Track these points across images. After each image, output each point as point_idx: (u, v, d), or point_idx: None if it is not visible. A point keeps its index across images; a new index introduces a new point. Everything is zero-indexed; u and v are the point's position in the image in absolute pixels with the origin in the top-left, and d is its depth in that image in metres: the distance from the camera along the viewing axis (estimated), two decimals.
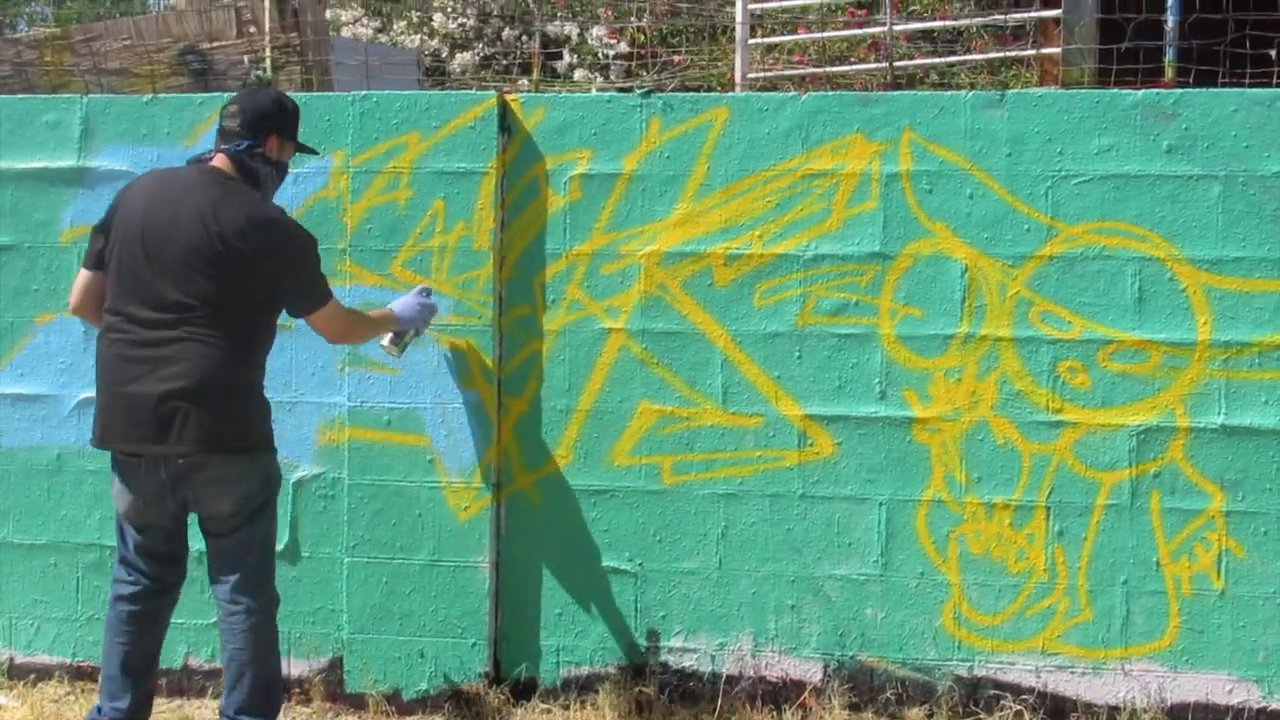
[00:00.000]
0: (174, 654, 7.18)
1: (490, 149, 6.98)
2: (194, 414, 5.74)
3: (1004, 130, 6.70)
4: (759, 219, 6.85)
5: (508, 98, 7.08)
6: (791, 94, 6.96)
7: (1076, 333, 6.63)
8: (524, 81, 15.04)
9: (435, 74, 16.95)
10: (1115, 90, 6.82)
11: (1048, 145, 6.66)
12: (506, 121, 7.03)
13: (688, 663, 6.96)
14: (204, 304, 5.76)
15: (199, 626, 7.17)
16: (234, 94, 6.20)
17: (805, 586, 6.87)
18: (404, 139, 7.03)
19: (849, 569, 6.83)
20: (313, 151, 6.49)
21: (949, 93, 6.87)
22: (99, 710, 6.08)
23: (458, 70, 17.12)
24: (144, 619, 6.05)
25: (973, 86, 12.76)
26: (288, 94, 6.40)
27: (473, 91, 7.30)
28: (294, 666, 7.09)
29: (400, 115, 7.04)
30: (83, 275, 6.10)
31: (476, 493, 6.99)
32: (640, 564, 6.97)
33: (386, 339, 6.60)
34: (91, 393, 7.16)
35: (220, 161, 6.00)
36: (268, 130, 6.06)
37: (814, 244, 6.81)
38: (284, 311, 6.11)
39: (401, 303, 6.61)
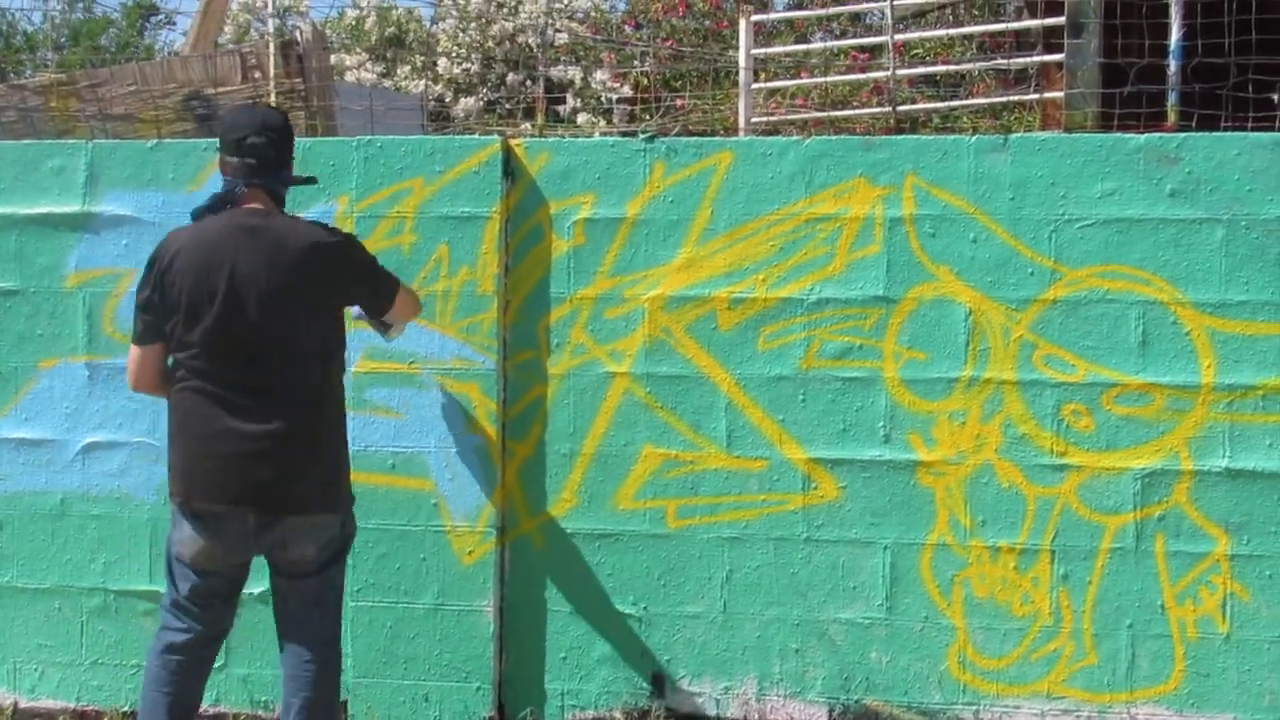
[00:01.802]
0: None
1: (494, 194, 7.00)
2: (295, 475, 5.71)
3: (1007, 174, 6.72)
4: (763, 263, 6.87)
5: (512, 143, 7.10)
6: (795, 138, 6.99)
7: (1080, 376, 6.65)
8: (527, 125, 15.11)
9: (439, 119, 17.02)
10: (1118, 134, 6.84)
11: (1051, 189, 6.68)
12: (510, 166, 7.06)
13: (692, 706, 6.95)
14: (293, 354, 5.73)
15: None
16: (242, 124, 5.94)
17: (810, 630, 6.87)
18: (408, 184, 7.05)
19: (854, 612, 6.83)
20: (313, 181, 6.34)
21: (952, 137, 6.90)
22: None
23: (462, 115, 17.19)
24: (192, 669, 5.93)
25: (975, 130, 12.80)
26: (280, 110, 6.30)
27: (477, 136, 7.33)
28: None
29: (404, 160, 7.07)
30: (138, 352, 5.93)
31: (481, 537, 7.00)
32: (645, 608, 6.97)
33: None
34: (97, 438, 7.20)
35: (257, 199, 5.87)
36: (291, 152, 6.01)
37: (818, 288, 6.83)
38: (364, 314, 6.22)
39: None
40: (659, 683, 6.98)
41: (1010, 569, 6.71)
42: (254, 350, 5.69)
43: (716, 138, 8.28)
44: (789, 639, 6.89)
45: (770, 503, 6.88)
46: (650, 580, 6.97)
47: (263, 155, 5.87)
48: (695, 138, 7.50)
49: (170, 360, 5.87)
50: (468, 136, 7.40)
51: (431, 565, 7.02)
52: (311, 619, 5.94)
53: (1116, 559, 6.64)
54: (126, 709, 7.20)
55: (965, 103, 13.44)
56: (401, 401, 7.00)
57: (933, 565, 6.76)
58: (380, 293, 6.13)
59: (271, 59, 10.63)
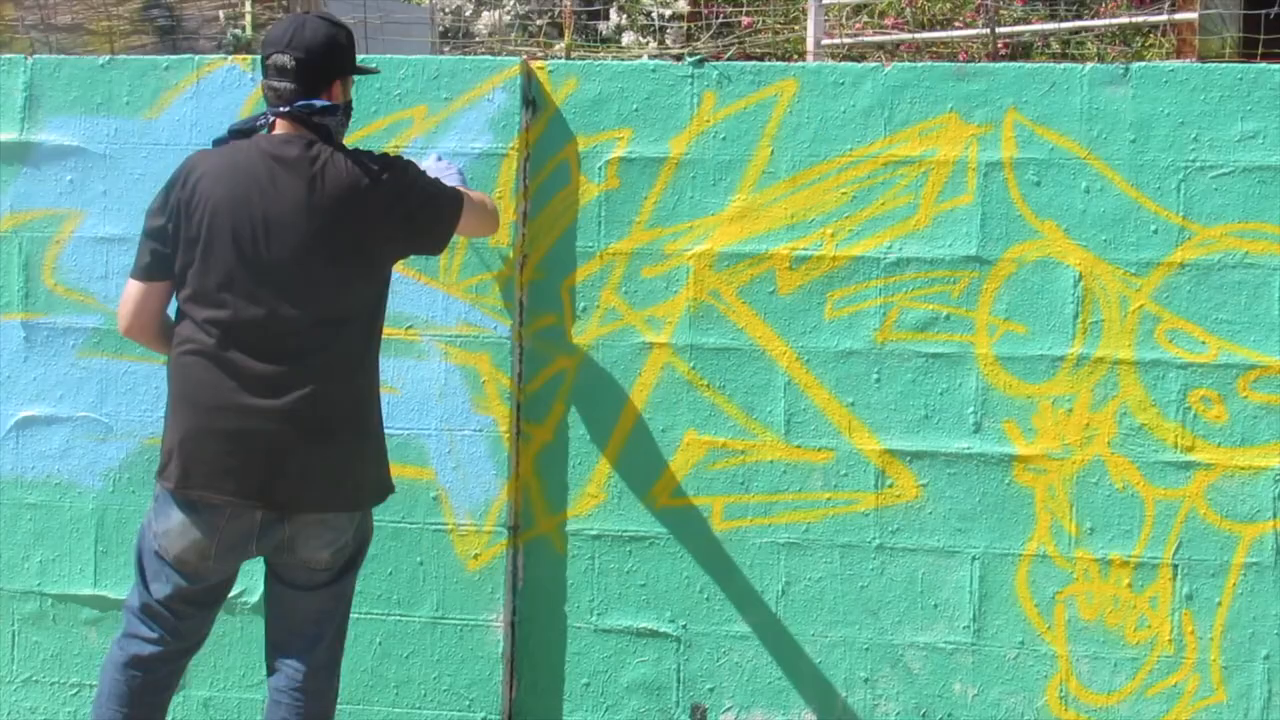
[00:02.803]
0: None
1: (512, 126, 7.04)
2: (322, 462, 5.74)
3: (1128, 112, 6.72)
4: (832, 214, 6.89)
5: (534, 65, 7.13)
6: (873, 65, 7.00)
7: (1212, 355, 6.65)
8: (560, 46, 15.11)
9: (456, 36, 17.02)
10: (1262, 65, 6.83)
11: (1180, 130, 6.68)
12: (532, 94, 7.09)
13: None
14: (329, 314, 5.75)
15: None
16: (272, 39, 5.97)
17: (882, 656, 6.90)
18: (408, 113, 7.09)
19: (934, 636, 6.86)
20: (373, 70, 6.44)
21: (1062, 66, 6.90)
22: None
23: (484, 32, 17.19)
24: (157, 686, 5.97)
25: (1100, 59, 12.77)
26: (333, 18, 6.19)
27: (491, 58, 7.35)
28: None
29: (404, 85, 7.10)
30: (140, 289, 5.94)
31: (489, 537, 7.04)
32: (684, 626, 7.02)
33: None
34: (33, 411, 7.24)
35: (285, 126, 5.91)
36: (331, 76, 5.97)
37: (897, 245, 6.85)
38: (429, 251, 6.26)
39: (445, 170, 6.69)
40: (700, 716, 7.02)
41: (1123, 586, 6.73)
42: (281, 306, 5.71)
43: (778, 63, 8.28)
44: (857, 666, 6.92)
45: (836, 502, 6.91)
46: (691, 593, 7.01)
47: (285, 80, 5.88)
48: (753, 63, 7.51)
49: (176, 309, 5.91)
50: (481, 57, 7.43)
51: (430, 570, 7.08)
52: (311, 637, 5.98)
53: (1252, 576, 6.65)
54: None
55: (1081, 24, 13.37)
56: (397, 374, 7.03)
57: (1030, 580, 6.78)
58: (446, 210, 6.12)
59: None
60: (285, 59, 5.86)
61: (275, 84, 5.89)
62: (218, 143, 6.01)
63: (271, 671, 5.99)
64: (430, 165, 6.69)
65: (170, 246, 5.83)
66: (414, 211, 5.97)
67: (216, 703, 7.25)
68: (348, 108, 6.08)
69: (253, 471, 5.68)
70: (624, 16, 17.61)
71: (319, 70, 5.91)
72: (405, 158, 6.08)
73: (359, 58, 6.15)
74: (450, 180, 6.51)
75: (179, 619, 5.91)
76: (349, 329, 5.81)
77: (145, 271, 5.92)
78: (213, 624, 6.07)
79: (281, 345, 5.70)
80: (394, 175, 5.93)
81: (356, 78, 6.24)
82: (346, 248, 5.77)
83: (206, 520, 5.74)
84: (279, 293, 5.70)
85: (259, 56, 6.02)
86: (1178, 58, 11.03)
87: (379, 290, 5.97)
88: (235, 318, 5.70)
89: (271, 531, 5.77)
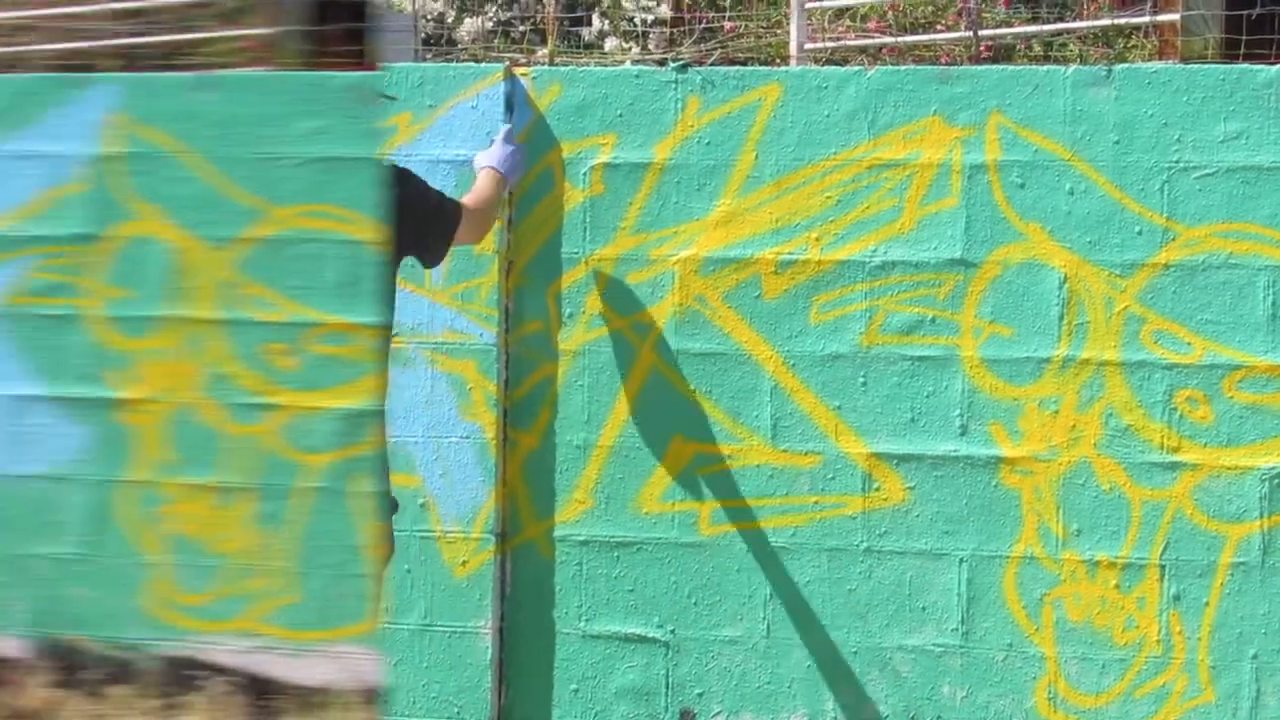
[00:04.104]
0: None
1: (496, 133, 7.02)
2: None
3: (1111, 113, 6.72)
4: (816, 218, 6.88)
5: (517, 72, 7.13)
6: (856, 69, 7.00)
7: (1197, 356, 6.65)
8: (543, 52, 15.10)
9: (438, 43, 17.00)
10: (1245, 66, 6.83)
11: (1164, 131, 6.67)
12: (515, 100, 7.08)
13: None
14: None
15: None
16: None
17: (871, 659, 6.90)
18: (393, 120, 7.07)
19: (923, 638, 6.86)
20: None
21: (1045, 68, 6.89)
22: None
23: (466, 38, 17.17)
24: None
25: (1083, 61, 12.77)
26: None
27: (475, 64, 7.35)
28: None
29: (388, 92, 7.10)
30: None
31: (477, 544, 7.03)
32: (672, 631, 7.01)
33: None
34: None
35: None
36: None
37: (882, 248, 6.84)
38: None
39: (495, 156, 6.72)
40: None
41: (1111, 587, 6.73)
42: None
43: (762, 68, 8.28)
44: (845, 669, 6.91)
45: (823, 506, 6.90)
46: (679, 598, 7.00)
47: None
48: (737, 68, 7.52)
49: None
50: (464, 64, 7.43)
51: (417, 578, 7.07)
52: None
53: (1239, 576, 6.64)
54: None
55: (1063, 26, 13.36)
56: None
57: (1018, 582, 6.78)
58: (447, 223, 6.27)
59: None
60: None
61: None
62: None
63: None
64: (498, 144, 6.81)
65: None
66: (421, 223, 6.03)
67: None
68: None
69: None
70: (606, 22, 17.58)
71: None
72: (407, 168, 6.13)
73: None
74: (509, 162, 6.70)
75: None
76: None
77: None
78: None
79: None
80: (408, 188, 6.01)
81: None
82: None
83: None
84: None
85: None
86: (1160, 59, 11.04)
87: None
88: None
89: None
